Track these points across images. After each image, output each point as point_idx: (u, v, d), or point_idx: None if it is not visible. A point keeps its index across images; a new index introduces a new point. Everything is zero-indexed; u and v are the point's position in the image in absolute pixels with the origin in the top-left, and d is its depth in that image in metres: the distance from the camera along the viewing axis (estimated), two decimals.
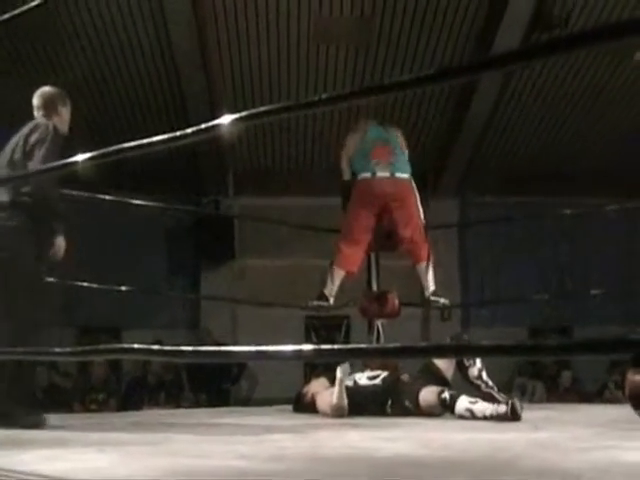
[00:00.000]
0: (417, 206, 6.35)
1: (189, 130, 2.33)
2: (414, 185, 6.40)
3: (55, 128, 4.78)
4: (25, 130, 4.76)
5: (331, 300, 6.29)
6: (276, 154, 12.03)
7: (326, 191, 11.89)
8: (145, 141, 2.44)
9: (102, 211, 10.46)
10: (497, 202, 11.81)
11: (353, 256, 6.25)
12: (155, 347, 2.37)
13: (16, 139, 4.75)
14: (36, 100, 4.98)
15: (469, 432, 4.20)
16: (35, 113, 4.95)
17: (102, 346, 2.57)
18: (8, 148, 4.76)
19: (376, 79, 10.06)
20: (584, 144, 11.61)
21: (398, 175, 6.28)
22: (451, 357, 4.95)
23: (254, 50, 9.75)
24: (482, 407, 4.96)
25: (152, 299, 11.37)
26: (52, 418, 4.73)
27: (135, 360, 10.51)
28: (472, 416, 4.93)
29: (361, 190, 6.29)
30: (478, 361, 5.66)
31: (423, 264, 6.26)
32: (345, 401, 5.34)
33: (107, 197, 7.05)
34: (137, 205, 7.81)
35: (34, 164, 4.50)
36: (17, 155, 4.65)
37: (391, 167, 6.28)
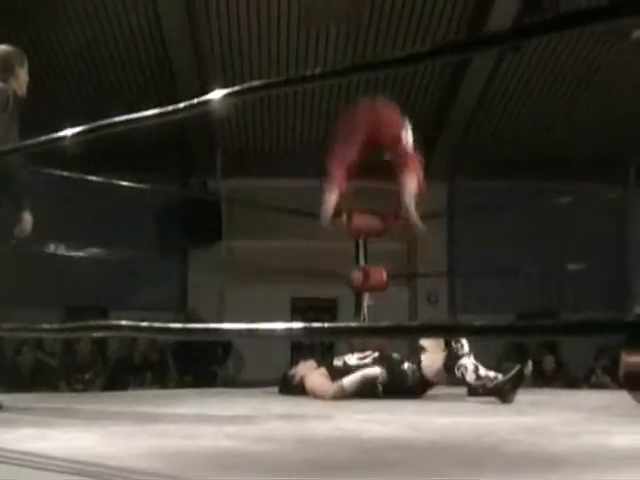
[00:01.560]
0: (405, 131, 6.43)
1: (181, 105, 2.30)
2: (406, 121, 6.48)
3: (14, 93, 4.51)
4: None
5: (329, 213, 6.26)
6: (265, 136, 11.97)
7: (315, 173, 11.91)
8: (136, 115, 2.41)
9: (88, 190, 10.41)
10: (486, 187, 11.79)
11: (340, 177, 6.25)
12: (143, 324, 2.35)
13: None
14: None
15: (456, 416, 4.21)
16: None
17: (91, 322, 2.54)
18: None
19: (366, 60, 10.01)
20: (575, 128, 11.58)
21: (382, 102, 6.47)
22: (441, 337, 4.97)
23: (244, 28, 9.67)
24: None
25: (139, 280, 11.34)
26: (37, 397, 4.71)
27: (121, 340, 10.48)
28: (476, 375, 5.03)
29: (348, 116, 6.42)
30: (466, 346, 5.69)
31: (410, 184, 6.28)
32: (352, 390, 5.32)
33: (94, 178, 6.86)
34: (124, 185, 7.72)
35: None
36: None
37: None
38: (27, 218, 4.53)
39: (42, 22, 9.49)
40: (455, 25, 9.63)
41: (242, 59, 10.20)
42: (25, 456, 2.49)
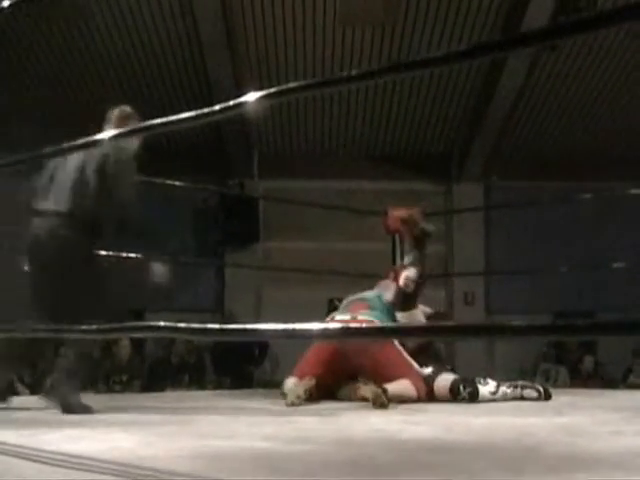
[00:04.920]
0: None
1: (217, 107, 2.31)
2: None
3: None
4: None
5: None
6: (301, 137, 11.99)
7: (351, 174, 11.93)
8: (173, 118, 2.41)
9: None
10: (522, 186, 11.72)
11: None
12: (181, 325, 2.35)
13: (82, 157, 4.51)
14: (110, 115, 4.82)
15: (493, 416, 4.18)
16: (105, 127, 4.70)
17: (129, 323, 2.55)
18: (72, 163, 4.52)
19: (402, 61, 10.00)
20: (612, 128, 11.49)
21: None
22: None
23: (280, 29, 9.70)
24: (507, 392, 5.02)
25: (176, 282, 11.36)
26: None
27: (158, 341, 10.52)
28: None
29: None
30: None
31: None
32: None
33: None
34: (163, 186, 7.70)
35: (120, 192, 4.45)
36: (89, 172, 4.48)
37: None
38: (157, 269, 4.81)
39: (81, 29, 9.58)
40: (490, 24, 9.59)
41: (278, 61, 10.22)
42: (65, 457, 2.50)
